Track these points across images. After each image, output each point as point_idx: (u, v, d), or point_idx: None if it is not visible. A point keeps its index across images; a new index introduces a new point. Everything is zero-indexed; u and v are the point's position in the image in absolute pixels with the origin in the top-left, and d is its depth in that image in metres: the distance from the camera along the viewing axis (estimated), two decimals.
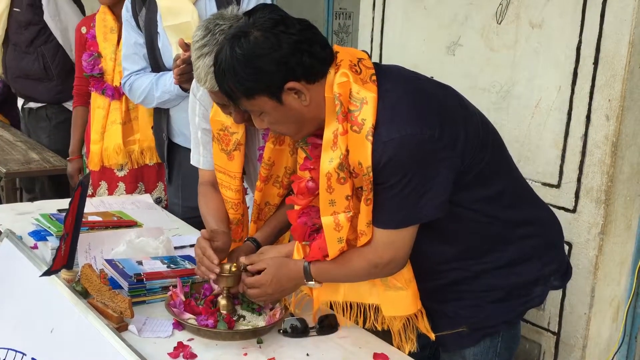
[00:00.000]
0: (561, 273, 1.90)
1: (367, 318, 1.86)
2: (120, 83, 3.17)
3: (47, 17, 4.06)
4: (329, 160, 1.63)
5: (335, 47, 1.69)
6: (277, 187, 2.05)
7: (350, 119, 1.59)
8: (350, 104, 1.60)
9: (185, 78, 2.47)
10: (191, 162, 2.25)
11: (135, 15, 2.80)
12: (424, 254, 1.77)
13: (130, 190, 3.28)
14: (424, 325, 1.83)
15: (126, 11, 2.85)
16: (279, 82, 1.59)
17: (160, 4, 2.71)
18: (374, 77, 1.63)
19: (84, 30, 3.44)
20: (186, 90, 2.57)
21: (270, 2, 2.83)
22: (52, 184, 4.28)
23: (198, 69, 1.84)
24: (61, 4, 3.94)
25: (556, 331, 2.55)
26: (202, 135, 2.17)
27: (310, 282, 1.80)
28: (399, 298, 1.79)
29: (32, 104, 4.29)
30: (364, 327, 1.89)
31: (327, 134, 1.63)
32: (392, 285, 1.78)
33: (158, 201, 3.18)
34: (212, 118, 2.05)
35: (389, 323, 1.84)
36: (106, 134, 3.28)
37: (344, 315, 1.89)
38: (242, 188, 2.11)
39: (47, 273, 1.95)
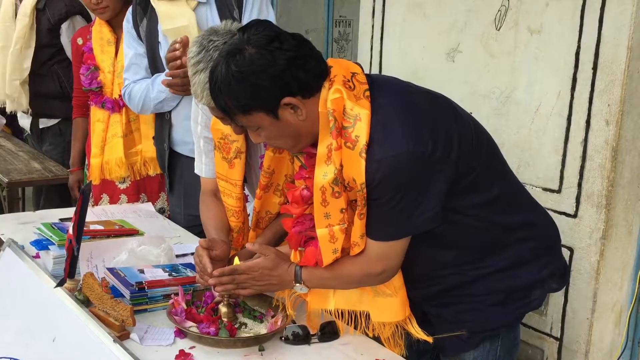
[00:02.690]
0: (559, 275, 1.90)
1: (359, 325, 1.86)
2: (119, 95, 3.17)
3: (64, 40, 4.05)
4: (323, 175, 1.63)
5: (329, 61, 1.69)
6: (277, 195, 2.05)
7: (344, 135, 1.60)
8: (344, 120, 1.60)
9: (180, 89, 2.50)
10: (195, 171, 2.25)
11: (137, 26, 2.81)
12: (422, 259, 1.77)
13: (132, 202, 3.24)
14: (415, 330, 1.82)
15: (127, 22, 2.85)
16: (275, 97, 1.60)
17: (159, 9, 2.72)
18: (367, 93, 1.63)
19: (80, 41, 3.41)
20: None
21: (270, 9, 2.84)
22: (57, 195, 4.23)
23: (194, 85, 1.85)
24: (78, 27, 3.93)
25: (559, 337, 2.54)
26: (204, 144, 2.18)
27: (297, 285, 1.79)
28: (387, 304, 1.79)
29: (46, 122, 4.21)
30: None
31: (321, 148, 1.63)
32: (381, 292, 1.79)
33: (161, 211, 3.16)
34: (212, 127, 2.06)
35: (378, 329, 1.84)
36: (107, 147, 3.24)
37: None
38: (243, 196, 2.12)
39: (61, 283, 1.97)
